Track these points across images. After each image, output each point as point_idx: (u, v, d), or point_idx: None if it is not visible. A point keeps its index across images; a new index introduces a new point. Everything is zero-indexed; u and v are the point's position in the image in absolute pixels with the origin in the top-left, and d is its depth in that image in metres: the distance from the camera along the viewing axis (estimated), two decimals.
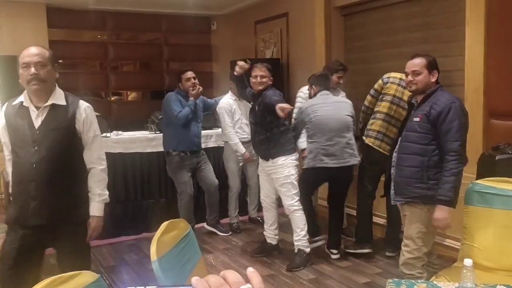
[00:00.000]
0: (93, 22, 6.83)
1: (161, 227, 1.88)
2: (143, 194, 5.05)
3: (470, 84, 3.83)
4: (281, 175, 3.90)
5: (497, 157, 3.05)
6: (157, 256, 1.75)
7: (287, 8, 6.10)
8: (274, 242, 4.27)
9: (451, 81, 4.26)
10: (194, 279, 0.72)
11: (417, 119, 2.79)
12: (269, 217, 4.22)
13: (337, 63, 4.58)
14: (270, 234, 4.26)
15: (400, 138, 2.99)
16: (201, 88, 4.44)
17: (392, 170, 2.98)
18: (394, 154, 2.98)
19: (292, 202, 3.93)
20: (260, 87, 3.89)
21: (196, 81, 4.49)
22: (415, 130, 2.81)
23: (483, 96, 3.73)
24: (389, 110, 3.94)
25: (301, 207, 3.95)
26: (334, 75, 4.46)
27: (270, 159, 3.92)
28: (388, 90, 3.95)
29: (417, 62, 2.85)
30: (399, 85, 3.93)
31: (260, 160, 4.09)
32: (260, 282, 0.74)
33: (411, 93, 3.02)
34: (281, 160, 3.89)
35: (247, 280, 0.74)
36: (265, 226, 4.28)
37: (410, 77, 2.85)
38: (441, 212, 2.73)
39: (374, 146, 3.96)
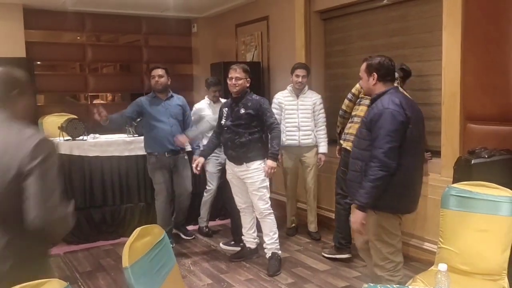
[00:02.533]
0: (72, 24, 6.72)
1: (133, 233, 1.84)
2: (121, 198, 4.98)
3: (447, 88, 3.87)
4: (258, 179, 3.87)
5: (473, 161, 3.07)
6: (129, 263, 1.71)
7: (268, 12, 6.10)
8: (253, 246, 4.25)
9: (428, 86, 4.31)
10: None
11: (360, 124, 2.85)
12: (247, 221, 4.19)
13: (296, 63, 4.79)
14: (249, 238, 4.24)
15: None
16: None
17: None
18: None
19: (267, 206, 3.93)
20: (235, 89, 3.87)
21: (161, 80, 4.42)
22: (357, 135, 2.85)
23: (459, 100, 3.77)
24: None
25: (272, 210, 3.97)
26: (293, 74, 4.63)
27: (245, 163, 3.88)
28: None
29: (361, 68, 2.89)
30: None
31: (231, 165, 4.01)
32: None
33: None
34: (256, 164, 3.87)
35: None
36: (244, 231, 4.25)
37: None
38: (354, 215, 2.72)
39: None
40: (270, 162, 3.84)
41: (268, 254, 4.00)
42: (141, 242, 1.85)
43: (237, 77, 3.86)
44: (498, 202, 2.61)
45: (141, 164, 4.84)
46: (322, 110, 4.77)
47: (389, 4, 4.62)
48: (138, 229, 1.89)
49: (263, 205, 3.91)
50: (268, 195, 3.95)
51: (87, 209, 4.82)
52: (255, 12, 6.31)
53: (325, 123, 4.80)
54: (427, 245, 4.05)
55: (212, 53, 7.30)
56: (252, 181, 3.89)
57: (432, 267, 2.77)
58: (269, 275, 3.89)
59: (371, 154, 2.64)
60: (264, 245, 4.02)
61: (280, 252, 4.04)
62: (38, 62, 6.76)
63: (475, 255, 2.63)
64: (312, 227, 4.89)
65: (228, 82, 3.91)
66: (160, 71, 4.45)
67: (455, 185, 2.80)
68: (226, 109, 3.99)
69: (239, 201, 4.13)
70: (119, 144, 4.95)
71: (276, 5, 5.92)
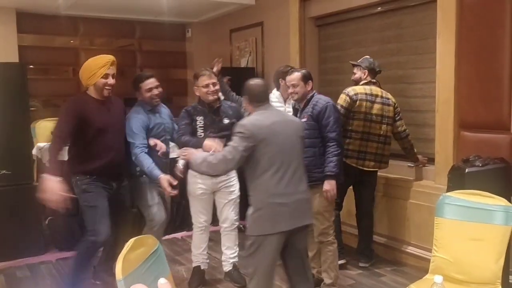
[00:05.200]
0: (65, 28, 6.69)
1: (127, 244, 1.81)
2: None
3: (441, 95, 3.88)
4: (236, 187, 3.76)
5: (467, 170, 3.08)
6: (123, 275, 1.69)
7: (262, 18, 6.10)
8: (206, 267, 3.97)
9: (422, 93, 4.32)
10: None
11: (304, 119, 3.39)
12: (204, 240, 3.88)
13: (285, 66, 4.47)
14: (203, 259, 3.92)
15: None
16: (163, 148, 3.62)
17: None
18: None
19: (237, 217, 3.82)
20: (215, 97, 3.57)
21: (159, 89, 3.72)
22: (307, 128, 3.37)
23: (453, 107, 3.78)
24: (364, 128, 3.95)
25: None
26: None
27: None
28: (359, 108, 3.92)
29: (294, 77, 3.51)
30: (366, 100, 3.94)
31: (207, 178, 3.60)
32: None
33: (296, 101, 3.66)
34: (233, 171, 3.64)
35: None
36: (198, 251, 3.88)
37: (291, 89, 3.53)
38: (329, 184, 3.36)
39: (358, 166, 3.96)
40: None
41: (229, 267, 3.87)
42: (135, 254, 1.83)
43: (214, 83, 3.54)
44: (493, 211, 2.62)
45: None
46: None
47: (384, 11, 4.64)
48: (132, 240, 1.86)
49: (235, 215, 3.79)
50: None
51: (79, 215, 4.76)
52: (250, 18, 6.31)
53: None
54: (421, 252, 4.05)
55: (207, 58, 7.25)
56: (233, 190, 3.75)
57: (427, 276, 2.76)
58: (242, 286, 3.78)
59: (327, 138, 3.38)
60: (225, 258, 3.90)
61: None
62: (31, 66, 6.72)
63: (470, 264, 2.63)
64: None
65: (204, 90, 3.53)
66: (155, 82, 3.72)
67: (449, 193, 2.81)
68: (201, 118, 3.58)
69: (203, 219, 3.80)
70: None
71: (270, 11, 5.92)
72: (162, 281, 0.73)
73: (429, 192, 3.96)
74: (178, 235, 5.18)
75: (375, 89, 4.02)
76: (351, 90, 3.97)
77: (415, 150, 4.22)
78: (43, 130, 5.60)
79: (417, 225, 4.12)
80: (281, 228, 2.70)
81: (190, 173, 3.67)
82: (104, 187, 3.42)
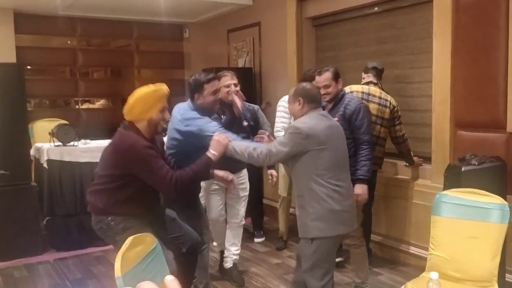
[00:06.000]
0: (62, 28, 6.69)
1: (126, 242, 1.83)
2: None
3: (438, 95, 3.90)
4: (248, 185, 3.83)
5: (463, 169, 3.10)
6: (122, 273, 1.70)
7: (259, 18, 6.11)
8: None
9: (419, 92, 4.34)
10: None
11: (335, 119, 3.23)
12: (223, 232, 3.90)
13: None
14: (234, 255, 3.94)
15: None
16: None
17: None
18: None
19: (244, 214, 3.87)
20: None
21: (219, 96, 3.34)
22: None
23: (450, 107, 3.80)
24: None
25: None
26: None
27: (241, 170, 3.72)
28: None
29: (326, 77, 3.40)
30: (362, 99, 3.96)
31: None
32: None
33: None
34: (245, 170, 3.75)
35: None
36: (219, 241, 3.97)
37: (322, 90, 3.30)
38: (361, 188, 3.30)
39: None
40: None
41: (230, 264, 3.86)
42: (134, 251, 1.85)
43: (235, 83, 3.45)
44: (489, 209, 2.65)
45: None
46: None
47: (380, 12, 4.66)
48: (131, 238, 1.88)
49: (244, 212, 3.85)
50: None
51: (77, 215, 4.78)
52: (247, 18, 6.32)
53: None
54: (417, 251, 4.08)
55: (204, 59, 7.30)
56: (244, 187, 3.81)
57: (423, 274, 2.78)
58: (240, 286, 3.80)
59: (360, 140, 3.32)
60: (228, 254, 3.88)
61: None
62: (29, 67, 6.73)
63: (466, 262, 2.66)
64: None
65: (225, 90, 3.42)
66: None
67: (446, 192, 2.83)
68: (224, 117, 3.50)
69: (219, 214, 3.79)
70: None
71: (268, 11, 5.94)
72: (169, 277, 0.73)
73: (426, 191, 3.99)
74: None
75: (374, 90, 4.03)
76: (348, 88, 4.01)
77: (412, 153, 4.23)
78: (41, 130, 5.61)
79: (414, 223, 4.14)
80: (340, 231, 2.71)
81: None
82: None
